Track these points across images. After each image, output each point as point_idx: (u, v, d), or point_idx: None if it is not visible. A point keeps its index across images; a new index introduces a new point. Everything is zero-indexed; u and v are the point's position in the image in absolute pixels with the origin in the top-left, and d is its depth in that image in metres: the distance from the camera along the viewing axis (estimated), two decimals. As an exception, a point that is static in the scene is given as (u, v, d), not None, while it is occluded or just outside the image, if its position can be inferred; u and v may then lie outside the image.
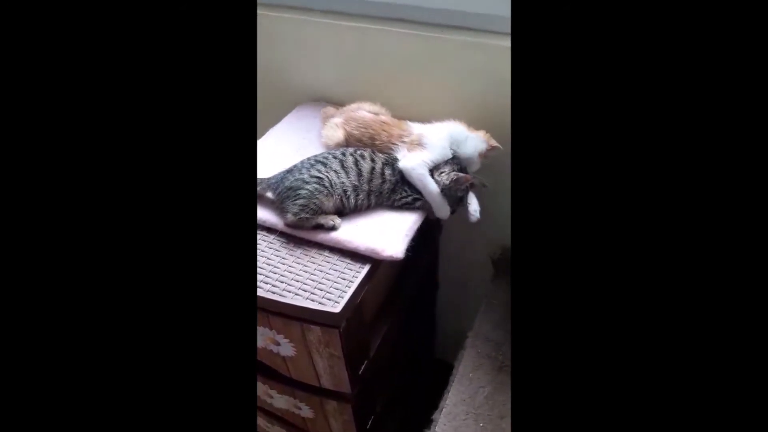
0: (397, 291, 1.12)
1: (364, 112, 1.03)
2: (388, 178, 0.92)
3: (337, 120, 1.03)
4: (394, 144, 0.96)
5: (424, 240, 1.22)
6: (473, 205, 0.97)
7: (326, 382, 0.91)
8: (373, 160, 0.92)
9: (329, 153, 0.93)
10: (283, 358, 0.90)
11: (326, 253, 0.87)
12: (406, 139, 0.96)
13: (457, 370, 0.98)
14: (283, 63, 1.21)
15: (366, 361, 0.95)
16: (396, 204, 0.93)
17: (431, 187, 0.92)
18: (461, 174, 0.91)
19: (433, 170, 0.93)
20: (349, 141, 1.00)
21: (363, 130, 0.98)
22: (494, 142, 0.98)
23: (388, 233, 0.88)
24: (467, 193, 0.96)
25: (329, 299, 0.79)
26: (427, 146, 0.94)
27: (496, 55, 0.99)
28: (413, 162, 0.92)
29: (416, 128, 0.99)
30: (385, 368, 1.24)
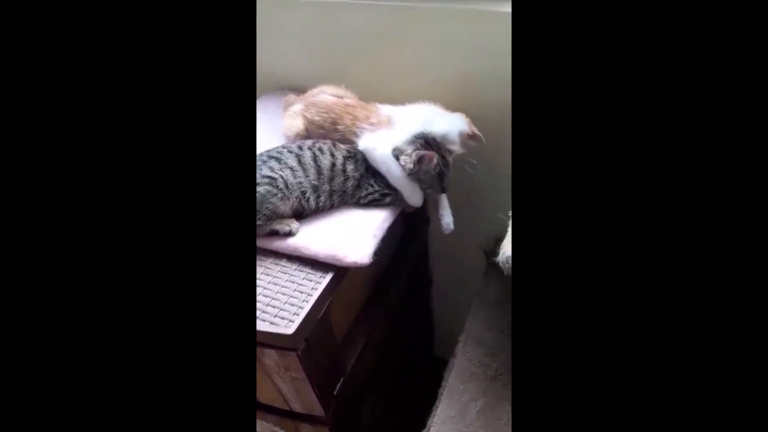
0: (381, 292, 1.02)
1: (326, 95, 0.91)
2: (350, 174, 0.81)
3: (297, 107, 0.91)
4: (359, 128, 0.84)
5: (410, 234, 1.11)
6: (446, 218, 0.88)
7: (296, 406, 0.81)
8: (332, 155, 0.81)
9: (284, 147, 0.81)
10: (247, 381, 0.81)
11: (283, 263, 0.76)
12: (373, 120, 0.84)
13: (447, 381, 0.87)
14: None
15: (342, 378, 0.85)
16: (362, 201, 0.82)
17: (395, 170, 0.80)
18: (424, 151, 0.78)
19: (398, 155, 0.81)
20: (310, 129, 0.88)
21: (324, 115, 0.87)
22: (476, 130, 0.86)
23: (352, 235, 0.77)
24: (448, 168, 0.83)
25: (282, 317, 0.68)
26: (396, 127, 0.82)
27: (482, 23, 0.86)
28: (375, 142, 0.81)
29: (385, 110, 0.87)
30: (372, 378, 1.14)
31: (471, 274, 1.20)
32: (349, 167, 0.81)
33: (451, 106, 0.95)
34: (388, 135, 0.81)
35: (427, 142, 0.81)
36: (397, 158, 0.81)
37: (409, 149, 0.80)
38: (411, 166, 0.79)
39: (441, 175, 0.83)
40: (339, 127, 0.86)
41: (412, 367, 1.35)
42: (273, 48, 1.08)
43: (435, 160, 0.79)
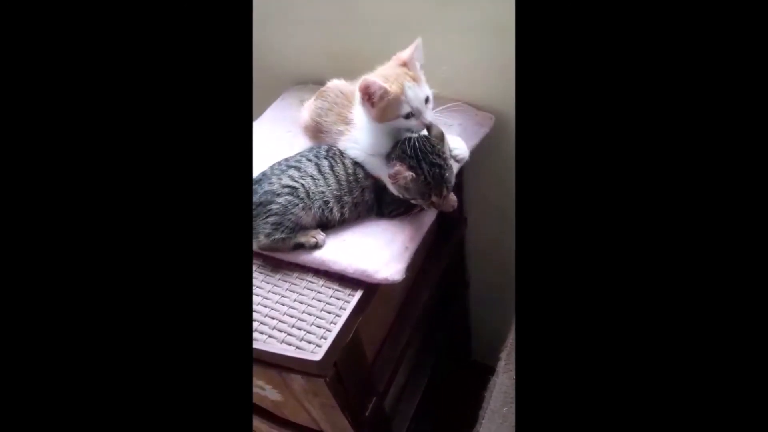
0: (414, 300, 0.95)
1: (336, 85, 0.82)
2: (362, 182, 0.73)
3: (311, 100, 0.84)
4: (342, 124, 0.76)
5: (444, 234, 1.03)
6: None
7: (326, 427, 0.76)
8: (344, 163, 0.74)
9: (302, 155, 0.75)
10: (273, 402, 0.76)
11: (309, 278, 0.71)
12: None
13: (488, 403, 0.80)
14: (259, 43, 1.03)
15: (375, 399, 0.79)
16: (392, 216, 0.75)
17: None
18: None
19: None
20: (317, 121, 0.80)
21: (323, 102, 0.79)
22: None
23: (383, 249, 0.70)
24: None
25: (309, 341, 0.63)
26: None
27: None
28: (344, 142, 0.74)
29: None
30: (406, 390, 1.08)
31: (512, 276, 1.13)
32: (360, 174, 0.73)
33: (492, 100, 0.88)
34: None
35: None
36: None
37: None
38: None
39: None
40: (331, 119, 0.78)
41: (449, 373, 1.29)
42: (292, 40, 1.01)
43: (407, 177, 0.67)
